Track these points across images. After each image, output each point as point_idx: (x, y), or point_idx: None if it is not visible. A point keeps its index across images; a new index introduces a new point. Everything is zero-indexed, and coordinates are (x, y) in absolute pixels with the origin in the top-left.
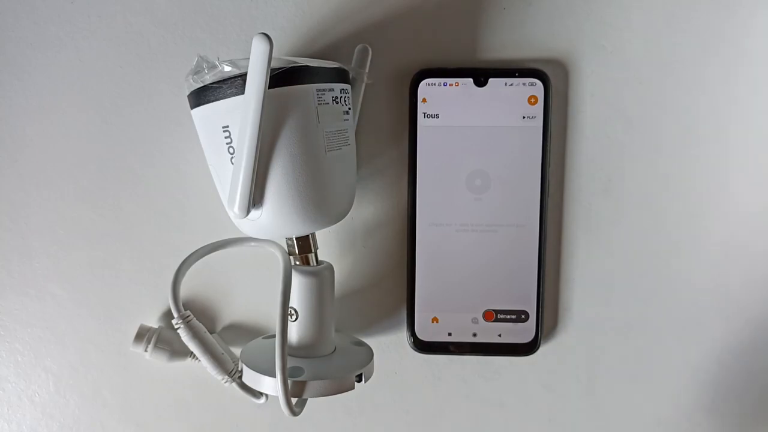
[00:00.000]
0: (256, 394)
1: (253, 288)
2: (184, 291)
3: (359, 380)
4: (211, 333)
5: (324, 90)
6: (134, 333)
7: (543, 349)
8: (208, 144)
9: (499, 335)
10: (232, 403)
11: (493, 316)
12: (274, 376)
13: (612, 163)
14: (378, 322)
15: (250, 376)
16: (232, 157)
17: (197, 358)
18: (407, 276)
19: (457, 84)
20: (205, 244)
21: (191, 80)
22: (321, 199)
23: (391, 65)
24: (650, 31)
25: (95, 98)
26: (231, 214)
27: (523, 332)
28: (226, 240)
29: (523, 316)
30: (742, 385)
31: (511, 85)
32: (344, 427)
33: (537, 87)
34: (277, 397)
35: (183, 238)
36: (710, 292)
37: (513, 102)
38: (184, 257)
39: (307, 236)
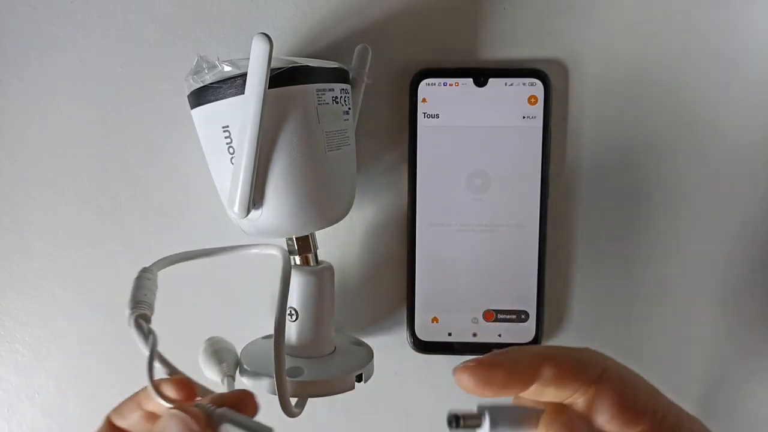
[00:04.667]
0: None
1: (253, 288)
2: (183, 291)
3: (359, 380)
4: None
5: (324, 90)
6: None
7: None
8: (208, 144)
9: (499, 335)
10: None
11: (493, 316)
12: (272, 377)
13: (612, 163)
14: (378, 322)
15: (249, 376)
16: (232, 157)
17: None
18: (407, 276)
19: (457, 84)
20: (205, 243)
21: (191, 80)
22: (321, 199)
23: (391, 65)
24: (650, 31)
25: (95, 98)
26: (231, 214)
27: (523, 332)
28: (225, 247)
29: (523, 316)
30: (742, 385)
31: (511, 85)
32: (344, 427)
33: (537, 87)
34: (275, 398)
35: (183, 239)
36: (710, 292)
37: (513, 102)
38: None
39: (307, 236)
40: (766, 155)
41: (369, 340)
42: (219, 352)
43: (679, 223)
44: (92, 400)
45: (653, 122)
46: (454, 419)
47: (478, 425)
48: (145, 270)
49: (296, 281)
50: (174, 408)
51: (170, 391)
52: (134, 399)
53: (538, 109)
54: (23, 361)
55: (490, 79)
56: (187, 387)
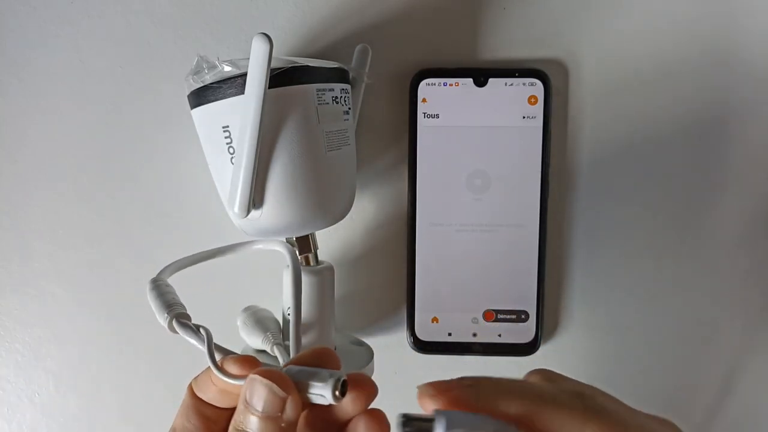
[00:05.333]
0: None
1: (253, 288)
2: (183, 290)
3: None
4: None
5: (324, 90)
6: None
7: (543, 349)
8: (208, 144)
9: (499, 335)
10: None
11: (493, 316)
12: None
13: (612, 163)
14: (378, 322)
15: None
16: (232, 157)
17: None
18: (407, 276)
19: (457, 84)
20: (205, 243)
21: (191, 80)
22: (321, 199)
23: (391, 65)
24: (650, 31)
25: (95, 98)
26: (231, 214)
27: (523, 332)
28: (230, 246)
29: (523, 316)
30: (745, 385)
31: (511, 85)
32: None
33: (537, 87)
34: None
35: (183, 238)
36: (710, 293)
37: (513, 102)
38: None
39: (307, 236)
40: (767, 154)
41: (369, 340)
42: (261, 321)
43: (679, 223)
44: (92, 400)
45: (653, 122)
46: (404, 420)
47: (430, 429)
48: (156, 279)
49: None
50: (256, 372)
51: (235, 370)
52: (208, 374)
53: (538, 109)
54: (23, 361)
55: (490, 79)
56: (252, 363)
